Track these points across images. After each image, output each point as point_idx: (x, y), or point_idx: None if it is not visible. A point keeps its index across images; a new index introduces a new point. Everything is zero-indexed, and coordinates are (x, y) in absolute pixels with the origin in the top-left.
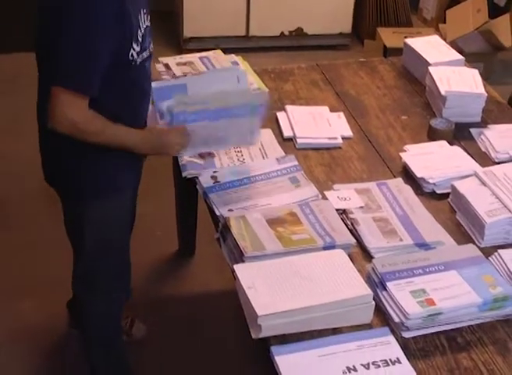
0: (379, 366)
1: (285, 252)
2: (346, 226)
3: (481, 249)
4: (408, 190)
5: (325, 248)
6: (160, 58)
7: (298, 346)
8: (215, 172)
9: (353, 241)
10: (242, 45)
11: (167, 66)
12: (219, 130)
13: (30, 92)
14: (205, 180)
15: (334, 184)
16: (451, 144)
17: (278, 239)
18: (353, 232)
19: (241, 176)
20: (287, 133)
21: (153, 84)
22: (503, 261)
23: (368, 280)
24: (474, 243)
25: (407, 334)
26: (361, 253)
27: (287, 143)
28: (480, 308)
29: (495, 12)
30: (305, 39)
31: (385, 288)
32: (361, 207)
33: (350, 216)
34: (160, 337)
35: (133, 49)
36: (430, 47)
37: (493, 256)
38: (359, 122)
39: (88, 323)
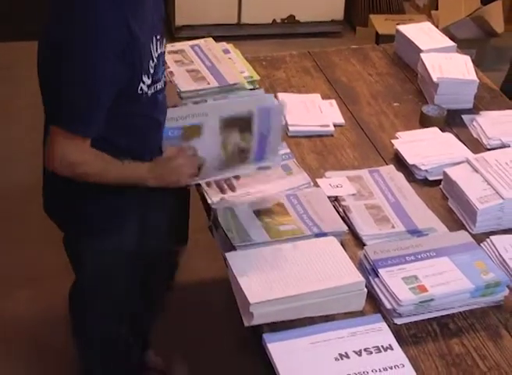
0: (371, 353)
1: (272, 242)
2: (338, 213)
3: (473, 236)
4: (400, 177)
5: (317, 235)
6: None
7: (290, 333)
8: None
9: (345, 228)
10: (234, 33)
11: None
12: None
13: (24, 81)
14: None
15: (326, 172)
16: (443, 130)
17: (265, 230)
18: (345, 219)
19: None
20: None
21: (168, 112)
22: (495, 247)
23: (360, 267)
24: (466, 229)
25: (399, 321)
26: (353, 240)
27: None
28: (472, 294)
29: None
30: (297, 26)
31: (377, 275)
32: (353, 194)
33: (342, 203)
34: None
35: (143, 83)
36: (422, 33)
37: (485, 242)
38: (351, 109)
39: (82, 335)
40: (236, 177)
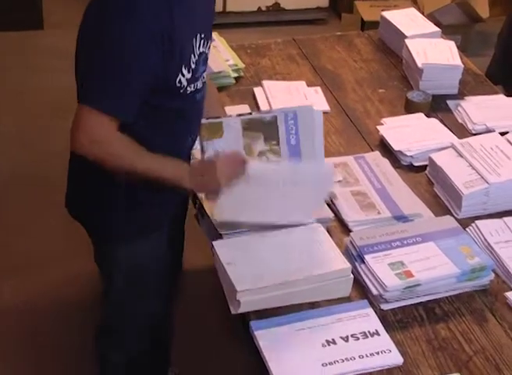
0: (358, 339)
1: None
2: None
3: (459, 220)
4: (386, 163)
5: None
6: None
7: (277, 321)
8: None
9: (331, 215)
10: (219, 21)
11: None
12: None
13: (11, 72)
14: None
15: None
16: (428, 116)
17: None
18: (331, 206)
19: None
20: (264, 108)
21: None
22: (481, 232)
23: (347, 253)
24: (451, 214)
25: (385, 306)
26: (339, 227)
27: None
28: (458, 278)
29: None
30: (282, 14)
31: (363, 261)
32: (339, 181)
33: None
34: None
35: (182, 75)
36: (407, 19)
37: (471, 227)
38: (336, 96)
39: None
40: None
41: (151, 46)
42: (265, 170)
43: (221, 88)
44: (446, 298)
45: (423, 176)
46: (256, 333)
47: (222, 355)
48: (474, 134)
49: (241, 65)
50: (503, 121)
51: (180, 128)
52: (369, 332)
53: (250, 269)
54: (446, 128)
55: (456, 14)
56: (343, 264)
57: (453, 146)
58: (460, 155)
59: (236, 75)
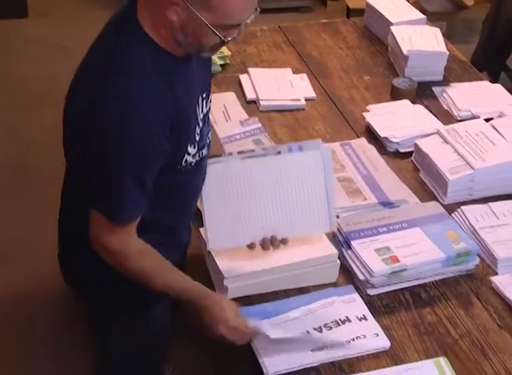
0: (345, 324)
1: None
2: None
3: (445, 206)
4: (372, 149)
5: None
6: None
7: (265, 308)
8: None
9: None
10: None
11: None
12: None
13: None
14: None
15: None
16: (414, 103)
17: None
18: None
19: None
20: (250, 95)
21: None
22: (466, 217)
23: (333, 239)
24: (437, 200)
25: (372, 291)
26: None
27: (250, 105)
28: (443, 263)
29: None
30: (268, 2)
31: (350, 247)
32: None
33: None
34: None
35: (188, 154)
36: (392, 6)
37: (456, 213)
38: (322, 83)
39: None
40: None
41: (163, 139)
42: None
43: None
44: (432, 282)
45: (409, 162)
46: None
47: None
48: (460, 121)
49: (227, 52)
50: (487, 107)
51: (185, 196)
52: (356, 317)
53: (237, 255)
54: (431, 115)
55: (441, 1)
56: (330, 250)
57: (438, 132)
58: (446, 141)
59: (222, 62)
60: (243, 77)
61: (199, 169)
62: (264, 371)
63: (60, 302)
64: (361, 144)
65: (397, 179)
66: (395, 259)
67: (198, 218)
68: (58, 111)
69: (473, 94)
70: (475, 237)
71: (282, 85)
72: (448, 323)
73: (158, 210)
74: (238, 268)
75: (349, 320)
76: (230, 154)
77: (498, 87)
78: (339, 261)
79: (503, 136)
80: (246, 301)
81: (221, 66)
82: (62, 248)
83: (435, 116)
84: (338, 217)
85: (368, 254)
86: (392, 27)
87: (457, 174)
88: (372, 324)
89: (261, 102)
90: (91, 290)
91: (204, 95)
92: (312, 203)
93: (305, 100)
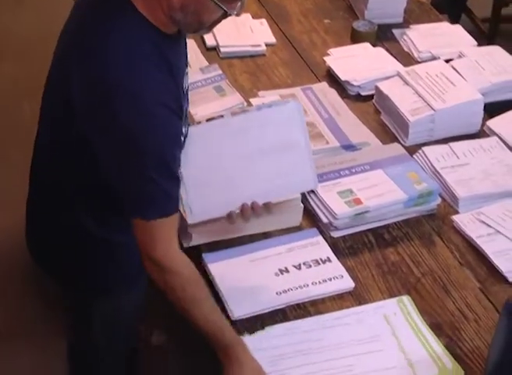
0: (310, 266)
1: None
2: None
3: (406, 148)
4: (333, 93)
5: None
6: None
7: (230, 252)
8: None
9: None
10: None
11: None
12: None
13: None
14: None
15: (259, 91)
16: (374, 45)
17: None
18: None
19: None
20: (210, 42)
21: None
22: (427, 158)
23: None
24: (398, 142)
25: (335, 234)
26: None
27: (210, 52)
28: (405, 204)
29: None
30: None
31: (312, 191)
32: None
33: None
34: None
35: (182, 135)
36: None
37: (417, 154)
38: (282, 28)
39: None
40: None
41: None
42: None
43: None
44: (395, 223)
45: (370, 105)
46: (209, 265)
47: None
48: (420, 62)
49: None
50: (447, 48)
51: None
52: (321, 259)
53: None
54: (392, 57)
55: None
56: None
57: (399, 74)
58: (406, 83)
59: None
60: None
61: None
62: (230, 315)
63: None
64: (322, 88)
65: (359, 122)
66: (358, 201)
67: None
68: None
69: (433, 36)
70: (437, 178)
71: (241, 31)
72: (411, 262)
73: None
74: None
75: (313, 263)
76: (199, 123)
77: (458, 28)
78: (302, 205)
79: (462, 76)
80: (210, 246)
81: None
82: (32, 228)
83: (396, 59)
84: None
85: (330, 197)
86: None
87: (418, 115)
88: (336, 266)
89: (221, 49)
90: (66, 274)
91: (187, 70)
92: (294, 161)
93: (265, 45)
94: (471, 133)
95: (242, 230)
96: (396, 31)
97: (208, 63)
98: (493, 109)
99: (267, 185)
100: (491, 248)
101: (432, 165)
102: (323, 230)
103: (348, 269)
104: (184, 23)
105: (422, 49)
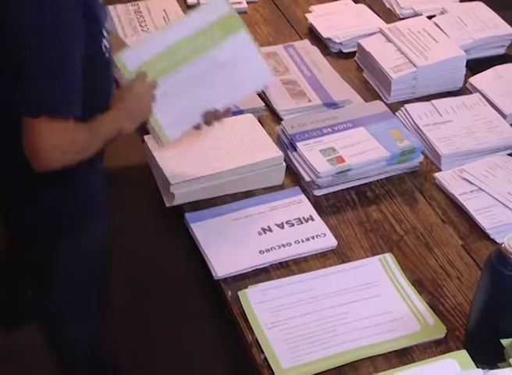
0: (293, 225)
1: None
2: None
3: (388, 105)
4: (315, 51)
5: (234, 113)
6: None
7: (212, 212)
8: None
9: (262, 104)
10: None
11: None
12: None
13: None
14: None
15: None
16: (356, 2)
17: None
18: (262, 96)
19: None
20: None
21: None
22: (410, 115)
23: (279, 142)
24: (381, 99)
25: (318, 192)
26: (271, 116)
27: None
28: (388, 161)
29: None
30: None
31: (295, 149)
32: None
33: None
34: None
35: (104, 36)
36: None
37: (400, 111)
38: None
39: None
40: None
41: (82, 21)
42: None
43: None
44: (377, 181)
45: (352, 62)
46: (192, 225)
47: (160, 253)
48: (402, 19)
49: None
50: (429, 4)
51: (104, 86)
52: (303, 218)
53: (182, 160)
54: (374, 14)
55: None
56: (276, 152)
57: (381, 31)
58: (389, 39)
59: None
60: None
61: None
62: (213, 274)
63: None
64: (304, 45)
65: (341, 79)
66: (340, 159)
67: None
68: None
69: None
70: (419, 135)
71: None
72: (393, 219)
73: (86, 107)
74: (184, 174)
75: (296, 221)
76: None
77: None
78: (284, 163)
79: (445, 33)
80: (193, 206)
81: None
82: None
83: (378, 15)
84: (282, 119)
85: (313, 155)
86: None
87: (400, 72)
88: (319, 224)
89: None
90: (23, 222)
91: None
92: (246, 58)
93: (247, 3)
94: (453, 91)
95: (224, 189)
96: None
97: None
98: (476, 66)
99: (225, 91)
100: (473, 205)
101: (414, 122)
102: (306, 188)
103: (331, 228)
104: None
105: (404, 5)
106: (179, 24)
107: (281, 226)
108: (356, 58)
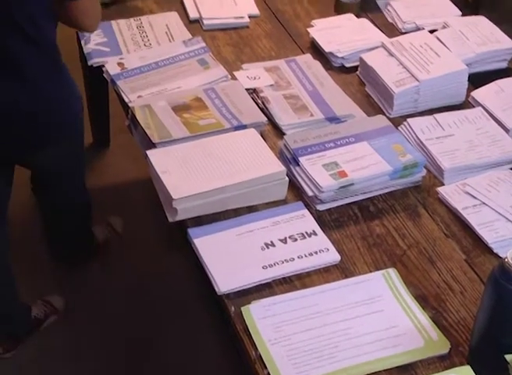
0: (296, 240)
1: (192, 137)
2: (257, 105)
3: (391, 119)
4: (317, 65)
5: (237, 128)
6: None
7: (215, 227)
8: (121, 58)
9: (265, 119)
10: None
11: None
12: None
13: None
14: (112, 68)
15: (243, 64)
16: (358, 16)
17: (184, 125)
18: (264, 110)
19: (148, 61)
20: (193, 14)
21: None
22: (412, 129)
23: (281, 156)
24: (383, 114)
25: (321, 207)
26: (273, 131)
27: (194, 25)
28: (391, 176)
29: None
30: None
31: (297, 164)
32: (271, 85)
33: (261, 94)
34: None
35: None
36: None
37: (402, 126)
38: None
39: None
40: None
41: None
42: None
43: None
44: (380, 195)
45: (354, 76)
46: (194, 240)
47: (163, 265)
48: (404, 33)
49: None
50: (431, 19)
51: None
52: (306, 233)
53: (185, 176)
54: (376, 28)
55: None
56: (278, 167)
57: (383, 45)
58: (391, 54)
59: None
60: None
61: None
62: (216, 289)
63: None
64: (307, 60)
65: (343, 94)
66: (343, 174)
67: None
68: None
69: (417, 6)
70: (421, 149)
71: (224, 3)
72: (396, 234)
73: None
74: (186, 189)
75: (299, 236)
76: None
77: None
78: (287, 178)
79: (447, 47)
80: (196, 221)
81: None
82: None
83: (380, 30)
84: (285, 134)
85: (315, 170)
86: None
87: (403, 87)
88: (322, 239)
89: (205, 21)
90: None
91: None
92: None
93: (249, 17)
94: (455, 105)
95: (227, 204)
96: (380, 2)
97: (191, 36)
98: (478, 80)
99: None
100: (476, 219)
101: (416, 136)
102: (308, 203)
103: (334, 242)
104: None
105: (406, 20)
106: None
107: (284, 241)
108: (358, 72)
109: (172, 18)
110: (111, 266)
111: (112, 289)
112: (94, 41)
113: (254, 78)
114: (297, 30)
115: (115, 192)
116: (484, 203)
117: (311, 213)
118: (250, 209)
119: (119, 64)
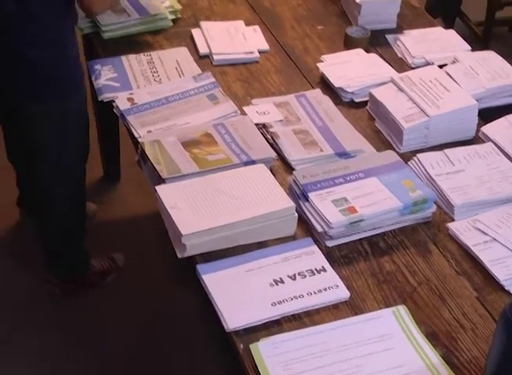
0: (305, 276)
1: (202, 173)
2: (267, 140)
3: (401, 155)
4: (327, 100)
5: (246, 163)
6: None
7: (224, 263)
8: (131, 94)
9: (274, 154)
10: None
11: None
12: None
13: None
14: (122, 103)
15: (253, 99)
16: (368, 51)
17: (194, 161)
18: (274, 146)
19: (158, 96)
20: (203, 50)
21: None
22: (422, 165)
23: (290, 192)
24: (393, 149)
25: (330, 243)
26: (282, 166)
27: (203, 60)
28: (401, 212)
29: None
30: None
31: (307, 199)
32: (281, 120)
33: (270, 130)
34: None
35: None
36: None
37: (412, 161)
38: (275, 34)
39: (52, 211)
40: None
41: None
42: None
43: (158, 31)
44: (390, 231)
45: (364, 111)
46: (203, 276)
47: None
48: (414, 68)
49: (178, 6)
50: (441, 53)
51: None
52: (316, 269)
53: (194, 212)
54: (385, 63)
55: None
56: (287, 203)
57: (392, 80)
58: (400, 89)
59: (173, 17)
60: (196, 31)
61: None
62: (225, 326)
63: None
64: (316, 95)
65: (353, 129)
66: (352, 210)
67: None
68: None
69: (426, 41)
70: (431, 185)
71: (234, 38)
72: (406, 271)
73: None
74: (195, 225)
75: (308, 273)
76: None
77: (451, 33)
78: (296, 214)
79: (457, 82)
80: (205, 257)
81: (172, 20)
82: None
83: (390, 64)
84: (294, 169)
85: (325, 205)
86: None
87: (412, 122)
88: (331, 275)
89: (214, 56)
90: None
91: None
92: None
93: (259, 52)
94: (465, 140)
95: (236, 240)
96: (389, 37)
97: (200, 71)
98: (488, 115)
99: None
100: (487, 256)
101: (426, 172)
102: (318, 239)
103: (343, 279)
104: None
105: (416, 55)
106: None
107: (293, 277)
108: (368, 107)
109: (182, 53)
110: (117, 300)
111: (117, 324)
112: (104, 76)
113: (264, 113)
114: (307, 65)
115: (124, 226)
116: (495, 239)
117: (320, 249)
118: (260, 245)
119: (129, 99)
